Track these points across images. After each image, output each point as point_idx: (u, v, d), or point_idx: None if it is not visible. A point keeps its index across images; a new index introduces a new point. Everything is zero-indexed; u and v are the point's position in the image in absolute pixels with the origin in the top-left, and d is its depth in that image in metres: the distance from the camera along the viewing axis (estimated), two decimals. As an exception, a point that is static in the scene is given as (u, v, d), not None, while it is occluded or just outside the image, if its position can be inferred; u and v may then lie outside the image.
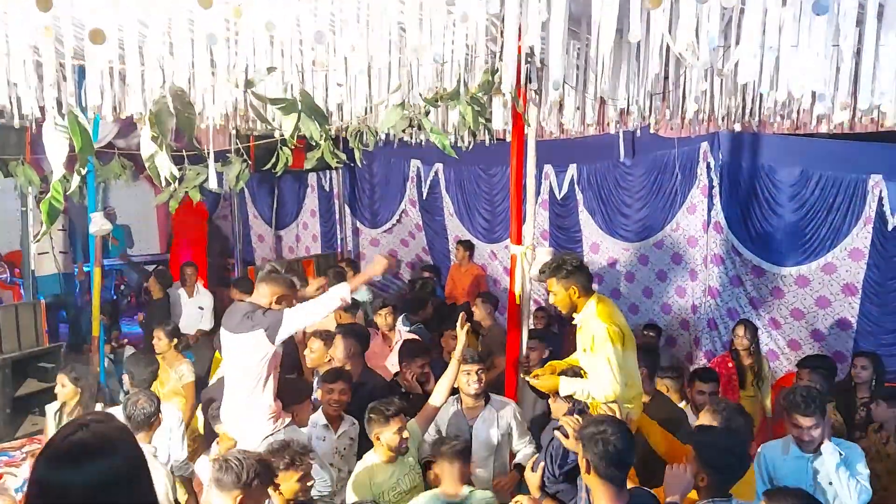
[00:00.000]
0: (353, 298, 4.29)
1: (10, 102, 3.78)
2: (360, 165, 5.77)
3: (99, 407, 4.46)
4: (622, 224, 7.43)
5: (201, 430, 4.80)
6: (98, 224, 5.78)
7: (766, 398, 5.53)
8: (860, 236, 6.14)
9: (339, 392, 4.05)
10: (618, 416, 3.31)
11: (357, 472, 3.55)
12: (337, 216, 9.93)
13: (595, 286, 3.90)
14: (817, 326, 6.43)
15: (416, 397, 4.32)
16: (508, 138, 4.18)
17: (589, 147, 7.37)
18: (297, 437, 3.52)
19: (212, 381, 5.01)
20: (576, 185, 7.69)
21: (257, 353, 3.61)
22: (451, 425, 3.97)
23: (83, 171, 3.03)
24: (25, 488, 2.54)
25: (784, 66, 2.44)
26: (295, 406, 3.91)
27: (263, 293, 3.74)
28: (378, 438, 3.48)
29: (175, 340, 5.56)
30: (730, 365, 5.50)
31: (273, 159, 4.99)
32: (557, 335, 6.60)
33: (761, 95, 4.60)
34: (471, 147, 5.78)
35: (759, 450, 3.73)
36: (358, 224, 9.89)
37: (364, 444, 3.85)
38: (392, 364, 5.33)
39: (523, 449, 4.02)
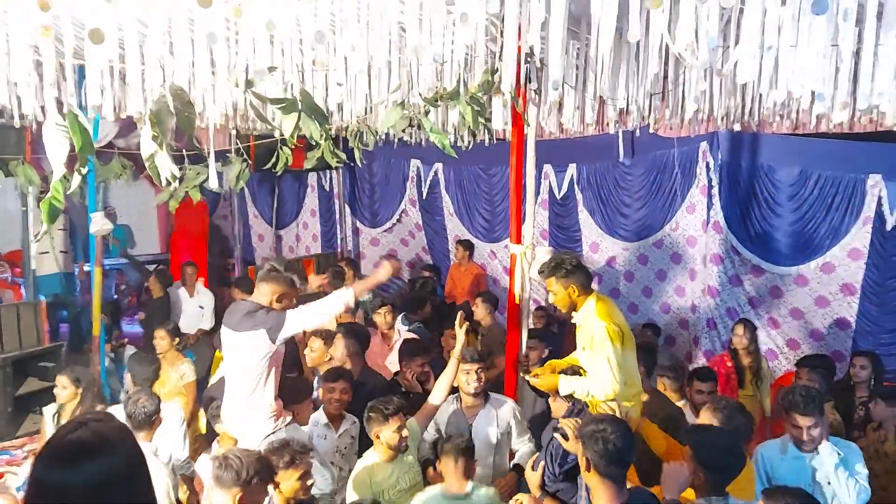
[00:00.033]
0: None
1: (11, 102, 3.78)
2: (360, 165, 5.76)
3: (99, 407, 4.46)
4: (622, 223, 7.44)
5: (204, 430, 4.81)
6: (98, 224, 5.78)
7: (765, 397, 5.53)
8: (859, 236, 6.15)
9: (341, 391, 4.07)
10: (617, 414, 3.31)
11: (357, 470, 3.55)
12: (337, 216, 9.93)
13: (594, 286, 3.91)
14: (816, 326, 6.44)
15: (415, 396, 4.32)
16: (508, 138, 4.18)
17: (588, 147, 7.37)
18: (298, 436, 3.53)
19: (212, 380, 5.02)
20: (575, 185, 7.70)
21: (258, 352, 3.61)
22: (451, 424, 3.97)
23: (83, 171, 3.02)
24: (25, 487, 2.54)
25: (783, 65, 2.45)
26: (295, 405, 3.92)
27: (264, 292, 3.74)
28: (378, 437, 3.49)
29: (176, 340, 5.57)
30: (728, 364, 5.50)
31: (273, 159, 4.98)
32: (557, 334, 6.60)
33: (760, 95, 4.60)
34: (470, 147, 5.79)
35: (757, 449, 3.73)
36: (358, 224, 9.89)
37: (364, 443, 3.86)
38: (392, 363, 5.34)
39: (522, 447, 4.02)
